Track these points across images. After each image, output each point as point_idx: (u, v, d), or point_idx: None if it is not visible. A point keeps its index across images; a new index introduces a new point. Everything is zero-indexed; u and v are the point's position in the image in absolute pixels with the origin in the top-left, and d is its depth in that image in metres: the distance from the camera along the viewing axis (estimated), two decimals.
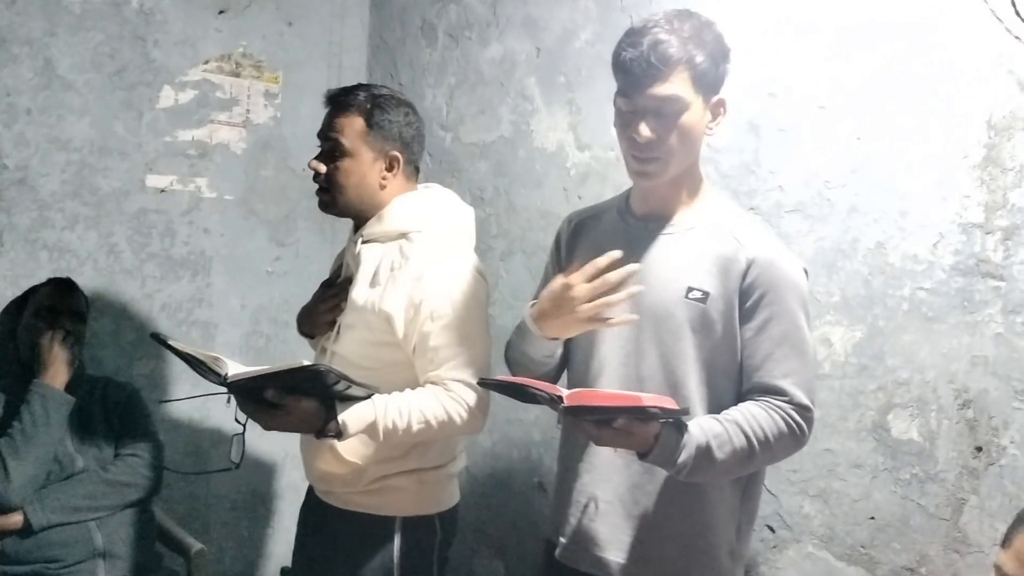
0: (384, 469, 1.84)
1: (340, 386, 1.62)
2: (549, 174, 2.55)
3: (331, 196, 1.88)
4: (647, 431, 1.41)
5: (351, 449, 1.81)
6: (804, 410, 1.51)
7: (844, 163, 1.90)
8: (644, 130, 1.49)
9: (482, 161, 2.77)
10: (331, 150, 1.87)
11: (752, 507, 1.64)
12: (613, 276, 1.48)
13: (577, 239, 1.73)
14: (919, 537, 1.80)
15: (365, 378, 1.71)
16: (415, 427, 1.71)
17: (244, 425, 1.79)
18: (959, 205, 1.74)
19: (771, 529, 2.03)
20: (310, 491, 2.02)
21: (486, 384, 1.60)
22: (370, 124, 1.86)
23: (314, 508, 1.97)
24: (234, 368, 1.64)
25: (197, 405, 2.86)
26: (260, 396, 1.64)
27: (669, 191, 1.59)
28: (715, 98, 1.54)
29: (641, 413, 1.37)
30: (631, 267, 1.49)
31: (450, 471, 1.94)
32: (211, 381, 1.68)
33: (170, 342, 1.74)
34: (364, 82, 3.10)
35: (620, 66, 1.50)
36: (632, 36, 1.49)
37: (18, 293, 2.40)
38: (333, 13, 3.11)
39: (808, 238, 1.95)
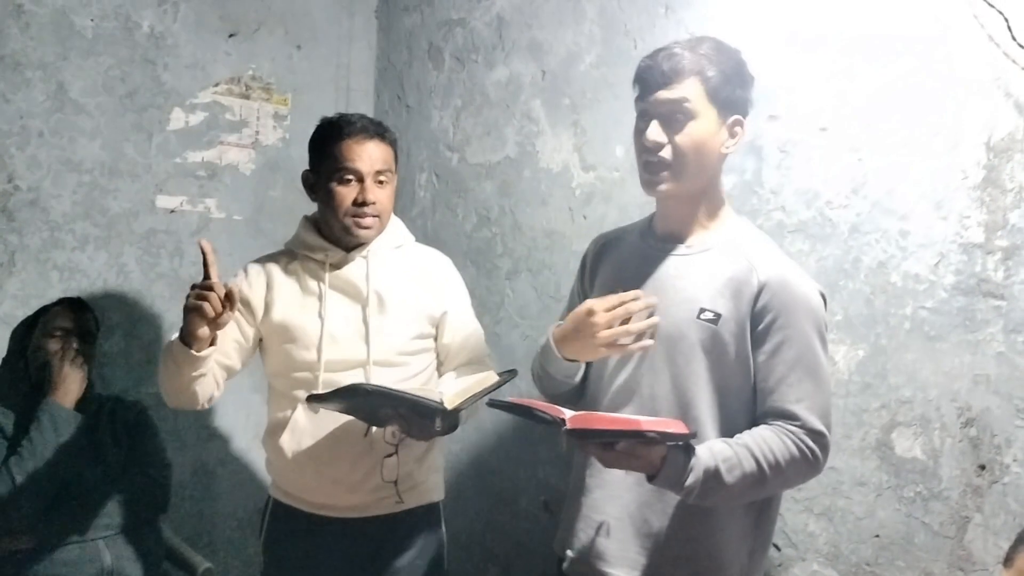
0: (427, 460, 2.07)
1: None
2: (554, 194, 2.58)
3: (379, 223, 2.01)
4: (653, 454, 1.42)
5: (415, 447, 2.00)
6: (817, 436, 1.50)
7: (845, 183, 1.92)
8: (652, 132, 1.53)
9: (488, 181, 2.80)
10: (379, 180, 1.99)
11: (766, 532, 1.64)
12: (634, 305, 1.54)
13: (600, 260, 1.76)
14: (923, 555, 1.80)
15: (402, 375, 1.98)
16: (477, 405, 1.86)
17: (396, 447, 1.97)
18: (959, 225, 1.76)
19: (776, 547, 2.03)
20: (318, 527, 2.01)
21: (496, 405, 1.63)
22: (396, 155, 2.04)
23: (344, 537, 2.00)
24: (445, 390, 1.82)
25: (205, 423, 2.88)
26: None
27: (687, 210, 1.61)
28: (733, 117, 1.56)
29: (640, 437, 1.38)
30: (652, 299, 1.54)
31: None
32: (429, 405, 1.74)
33: (374, 384, 1.82)
34: (374, 105, 3.18)
35: (636, 77, 1.57)
36: (652, 52, 1.57)
37: (29, 313, 2.42)
38: (341, 36, 3.15)
39: (810, 258, 1.97)
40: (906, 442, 1.83)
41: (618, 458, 1.43)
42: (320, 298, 1.99)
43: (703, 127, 1.52)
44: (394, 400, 1.76)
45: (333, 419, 1.93)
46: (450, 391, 1.79)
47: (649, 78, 1.54)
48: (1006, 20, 1.66)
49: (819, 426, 1.50)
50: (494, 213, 2.77)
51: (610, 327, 1.54)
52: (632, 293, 1.56)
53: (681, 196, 1.60)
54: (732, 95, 1.54)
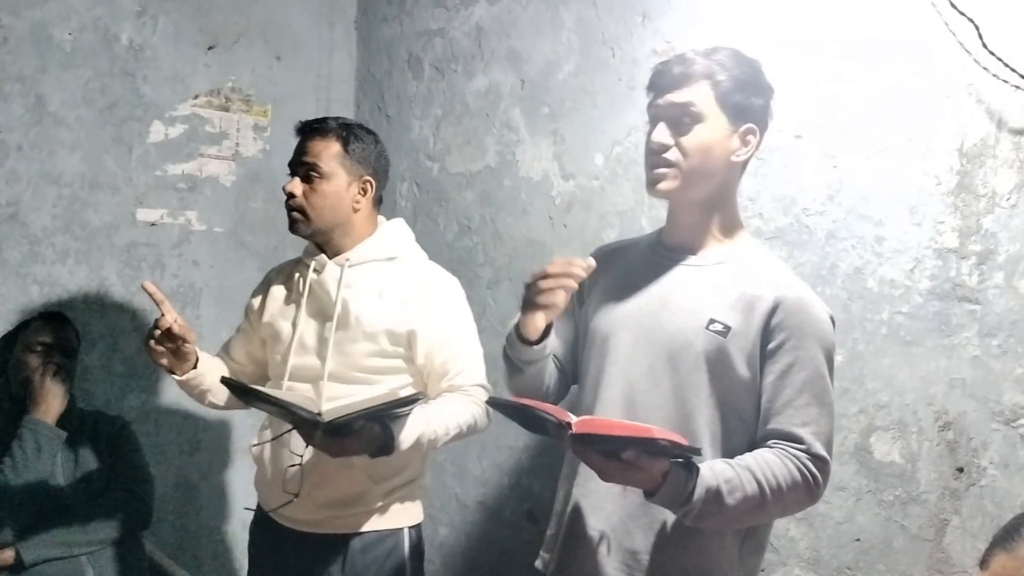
0: (389, 484, 1.95)
1: (413, 407, 1.71)
2: (534, 203, 2.59)
3: (304, 215, 1.96)
4: (656, 468, 1.36)
5: (362, 468, 1.90)
6: (821, 462, 1.46)
7: (821, 190, 1.94)
8: (658, 133, 1.53)
9: (468, 191, 2.81)
10: (308, 173, 1.96)
11: (755, 563, 1.59)
12: (561, 260, 1.53)
13: (601, 271, 1.66)
14: (903, 558, 1.82)
15: (363, 392, 1.87)
16: (452, 432, 1.87)
17: (302, 456, 1.88)
18: (934, 231, 1.78)
19: None
20: (284, 538, 1.99)
21: (495, 404, 1.57)
22: (346, 148, 1.97)
23: (304, 546, 1.97)
24: (321, 403, 1.75)
25: (188, 437, 2.88)
26: (336, 429, 1.66)
27: (697, 219, 1.58)
28: (745, 126, 1.53)
29: (652, 446, 1.32)
30: (575, 259, 1.53)
31: (422, 483, 2.08)
32: (302, 419, 1.65)
33: (251, 386, 1.79)
34: (354, 115, 3.18)
35: (649, 81, 1.57)
36: (668, 58, 1.58)
37: (9, 328, 2.41)
38: (321, 47, 3.15)
39: (787, 264, 1.97)
40: (884, 446, 1.85)
41: (622, 470, 1.36)
42: (297, 304, 2.00)
43: (711, 131, 1.51)
44: (274, 405, 1.72)
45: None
46: (336, 404, 1.72)
47: (659, 81, 1.54)
48: (976, 28, 1.68)
49: (823, 452, 1.47)
50: (475, 222, 2.78)
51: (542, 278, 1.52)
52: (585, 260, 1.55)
53: (688, 202, 1.57)
54: (744, 102, 1.52)
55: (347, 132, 1.98)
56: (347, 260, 1.97)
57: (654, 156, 1.54)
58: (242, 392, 1.79)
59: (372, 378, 1.93)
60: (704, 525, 1.45)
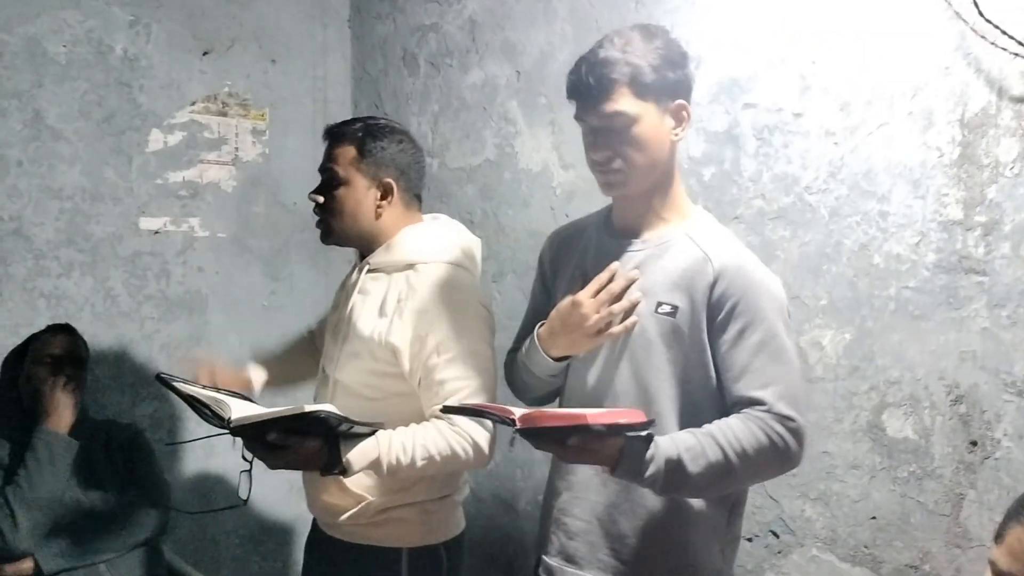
0: (389, 501, 1.84)
1: (343, 427, 1.61)
2: (535, 194, 2.58)
3: (327, 225, 1.91)
4: (608, 446, 1.39)
5: (356, 482, 1.81)
6: (786, 420, 1.45)
7: (823, 168, 1.93)
8: (597, 150, 1.53)
9: (469, 185, 2.80)
10: (327, 180, 1.91)
11: (738, 525, 1.62)
12: (615, 285, 1.53)
13: (559, 257, 1.74)
14: (920, 534, 1.81)
15: (369, 408, 1.76)
16: (419, 463, 1.70)
17: (251, 462, 1.73)
18: (938, 203, 1.77)
19: (775, 534, 2.04)
20: (315, 523, 2.02)
21: (450, 410, 1.59)
22: (361, 152, 1.88)
23: (320, 541, 1.98)
24: (238, 410, 1.61)
25: (202, 442, 2.88)
26: (264, 437, 1.62)
27: (643, 206, 1.59)
28: (674, 103, 1.53)
29: (586, 431, 1.35)
30: (631, 274, 1.53)
31: (455, 500, 1.94)
32: (213, 425, 1.63)
33: (175, 383, 1.71)
34: (352, 115, 3.18)
35: (568, 92, 1.54)
36: (578, 61, 1.53)
37: (18, 342, 2.42)
38: (315, 48, 3.15)
39: (792, 244, 1.98)
40: (897, 423, 1.84)
41: (574, 453, 1.40)
42: (337, 308, 1.99)
43: (646, 127, 1.50)
44: (188, 403, 1.67)
45: None
46: (245, 412, 1.61)
47: (579, 95, 1.52)
48: None
49: (787, 410, 1.45)
50: (477, 216, 2.77)
51: (598, 312, 1.52)
52: (608, 271, 1.55)
53: (639, 192, 1.58)
54: (664, 82, 1.50)
55: (364, 134, 1.89)
56: (367, 264, 1.90)
57: (599, 167, 1.55)
58: (170, 389, 1.72)
59: (374, 392, 1.84)
60: (676, 494, 1.47)
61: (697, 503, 1.54)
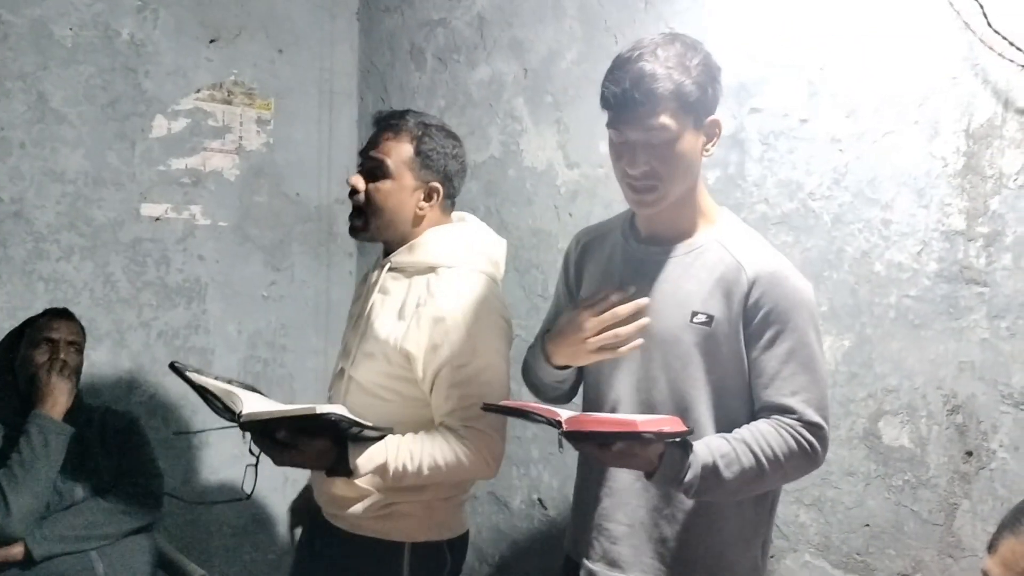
0: (396, 496, 1.82)
1: (353, 430, 1.61)
2: (539, 192, 2.58)
3: (364, 218, 1.86)
4: (650, 452, 1.41)
5: (365, 478, 1.79)
6: (815, 428, 1.49)
7: (827, 175, 1.93)
8: (636, 163, 1.50)
9: (473, 181, 2.79)
10: (373, 169, 1.85)
11: (771, 524, 1.65)
12: (623, 310, 1.53)
13: (584, 260, 1.73)
14: (914, 543, 1.81)
15: (382, 409, 1.79)
16: (425, 471, 1.71)
17: (258, 457, 1.73)
18: (941, 213, 1.77)
19: None
20: (317, 512, 1.98)
21: (491, 408, 1.58)
22: (418, 151, 1.84)
23: (321, 528, 1.95)
24: (250, 404, 1.61)
25: (196, 432, 2.88)
26: (272, 434, 1.63)
27: (672, 214, 1.58)
28: (708, 119, 1.53)
29: (636, 438, 1.37)
30: (641, 301, 1.53)
31: (460, 499, 1.93)
32: (223, 418, 1.63)
33: (188, 373, 1.70)
34: (358, 108, 3.18)
35: (606, 102, 1.50)
36: (616, 71, 1.49)
37: (15, 325, 2.42)
38: (323, 40, 3.15)
39: (795, 249, 1.98)
40: (893, 431, 1.84)
41: (615, 457, 1.43)
42: (358, 304, 1.97)
43: (685, 144, 1.50)
44: (204, 399, 1.68)
45: None
46: (261, 407, 1.63)
47: (622, 106, 1.48)
48: (981, 6, 1.67)
49: (816, 418, 1.49)
50: (480, 213, 2.76)
51: (599, 331, 1.53)
52: (619, 294, 1.56)
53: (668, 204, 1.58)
54: (705, 99, 1.50)
55: (423, 133, 1.85)
56: (389, 263, 1.86)
57: (632, 180, 1.52)
58: (183, 379, 1.71)
59: (388, 394, 1.82)
60: (708, 498, 1.50)
61: (735, 505, 1.56)
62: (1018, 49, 1.63)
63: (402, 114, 1.89)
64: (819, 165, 1.94)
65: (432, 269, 1.82)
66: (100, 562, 2.24)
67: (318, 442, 1.62)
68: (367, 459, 1.66)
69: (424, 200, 1.86)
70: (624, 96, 1.46)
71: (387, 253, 1.90)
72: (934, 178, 1.77)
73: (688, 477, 1.43)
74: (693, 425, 1.49)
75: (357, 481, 1.77)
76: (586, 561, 1.66)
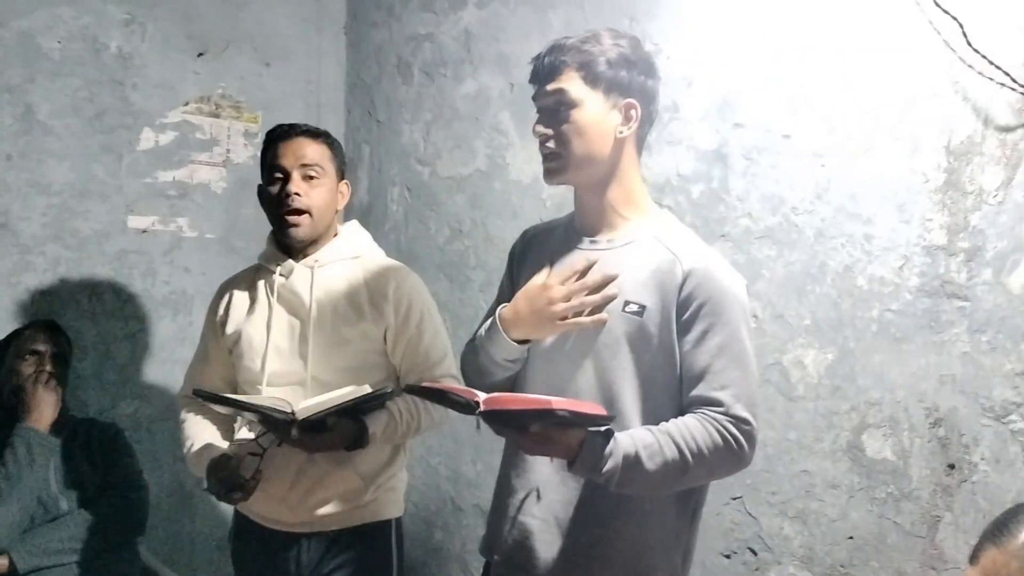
0: (379, 478, 1.98)
1: (381, 402, 1.84)
2: (525, 206, 2.59)
3: (310, 219, 1.96)
4: (570, 437, 1.40)
5: (359, 464, 1.94)
6: (742, 422, 1.46)
7: (809, 189, 1.95)
8: (538, 126, 1.57)
9: (459, 194, 2.81)
10: (307, 175, 1.98)
11: (694, 535, 1.62)
12: (591, 279, 1.52)
13: (526, 254, 1.73)
14: (896, 555, 1.82)
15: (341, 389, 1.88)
16: (421, 425, 1.96)
17: (264, 449, 1.88)
18: (922, 228, 1.79)
19: (753, 552, 2.05)
20: (280, 537, 1.98)
21: (412, 390, 1.65)
22: (333, 151, 2.04)
23: (292, 545, 1.97)
24: (295, 403, 1.76)
25: (176, 443, 2.87)
26: (311, 425, 1.76)
27: (599, 201, 1.59)
28: (625, 100, 1.55)
29: (551, 417, 1.35)
30: (609, 273, 1.52)
31: (403, 476, 2.10)
32: (276, 419, 1.76)
33: (223, 395, 1.86)
34: (345, 121, 3.19)
35: (529, 78, 1.61)
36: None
37: (0, 337, 2.41)
38: (310, 53, 3.16)
39: (777, 263, 2.00)
40: (876, 443, 1.85)
41: (535, 443, 1.41)
42: (268, 309, 1.98)
43: (586, 114, 1.53)
44: (246, 409, 1.83)
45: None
46: (309, 402, 1.78)
47: (534, 75, 1.59)
48: (960, 26, 1.69)
49: (743, 413, 1.47)
50: (466, 226, 2.78)
51: (567, 300, 1.52)
52: (585, 260, 1.54)
53: (583, 184, 1.59)
54: (617, 77, 1.53)
55: (330, 137, 2.04)
56: (316, 261, 1.98)
57: (541, 148, 1.58)
58: (216, 401, 1.88)
59: (350, 377, 1.92)
60: (629, 491, 1.47)
61: (658, 507, 1.53)
62: (997, 67, 1.66)
63: (297, 124, 2.05)
64: (802, 180, 1.96)
65: (356, 257, 2.02)
66: (85, 575, 2.23)
67: (347, 422, 1.83)
68: (378, 426, 1.87)
69: (341, 197, 2.06)
70: (537, 64, 1.58)
71: (288, 253, 2.00)
72: (915, 194, 1.79)
73: (608, 466, 1.41)
74: (617, 415, 1.48)
75: (354, 468, 1.93)
76: (496, 556, 1.63)
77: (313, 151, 1.98)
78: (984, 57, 1.67)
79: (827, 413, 1.92)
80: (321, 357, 1.93)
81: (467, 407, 1.42)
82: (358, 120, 3.20)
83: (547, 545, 1.56)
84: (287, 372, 1.95)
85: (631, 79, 1.55)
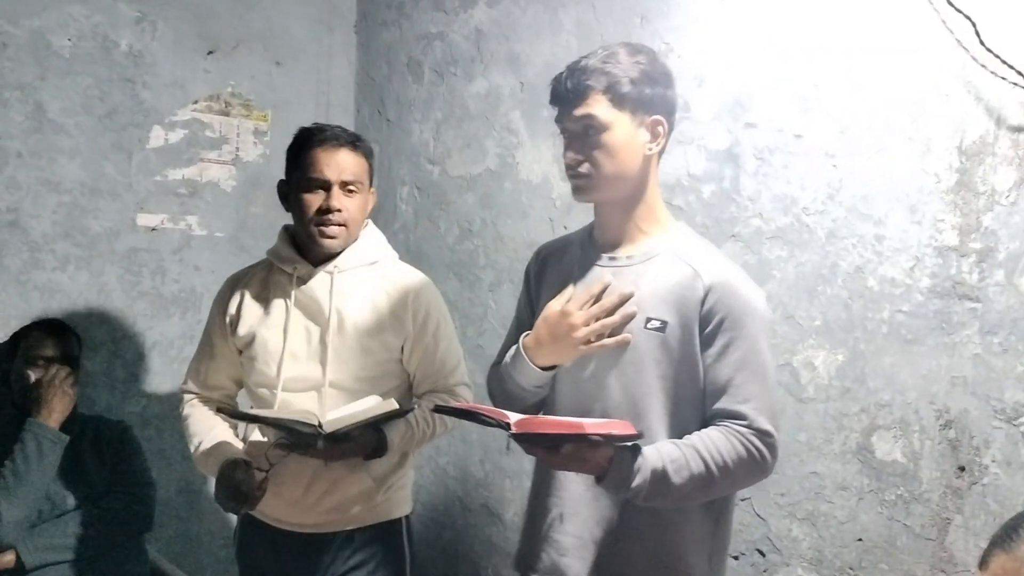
0: (391, 479, 2.01)
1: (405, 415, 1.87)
2: (535, 205, 2.59)
3: (347, 232, 1.95)
4: (599, 455, 1.42)
5: (373, 467, 1.96)
6: (764, 435, 1.50)
7: (821, 190, 1.94)
8: (569, 151, 1.57)
9: (469, 194, 2.81)
10: (348, 188, 1.95)
11: (725, 533, 1.64)
12: (608, 300, 1.54)
13: (543, 272, 1.74)
14: (906, 558, 1.81)
15: (357, 396, 1.92)
16: (436, 431, 1.99)
17: (270, 466, 1.90)
18: (934, 229, 1.78)
19: (761, 553, 2.04)
20: (293, 539, 1.98)
21: (441, 410, 1.62)
22: (370, 164, 2.02)
23: (310, 548, 1.97)
24: (322, 416, 1.78)
25: (183, 443, 2.87)
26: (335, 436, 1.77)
27: (622, 218, 1.60)
28: (650, 118, 1.55)
29: (584, 440, 1.38)
30: (626, 291, 1.54)
31: (411, 474, 2.12)
32: (304, 433, 1.76)
33: (247, 412, 1.91)
34: (355, 120, 3.19)
35: (550, 98, 1.59)
36: (563, 69, 1.58)
37: (10, 334, 2.41)
38: (320, 52, 3.16)
39: (788, 264, 1.99)
40: (886, 445, 1.84)
41: (564, 461, 1.43)
42: (285, 313, 1.96)
43: (616, 137, 1.53)
44: (270, 423, 1.85)
45: None
46: (336, 415, 1.79)
47: (558, 99, 1.57)
48: (973, 25, 1.68)
49: (766, 426, 1.50)
50: (476, 225, 2.78)
51: (587, 325, 1.54)
52: (600, 283, 1.56)
53: (613, 203, 1.60)
54: (642, 96, 1.53)
55: (366, 146, 2.02)
56: (336, 268, 1.96)
57: (569, 171, 1.58)
58: (240, 418, 1.94)
59: (367, 384, 1.93)
60: (656, 504, 1.49)
61: (684, 516, 1.55)
62: (1010, 67, 1.65)
63: (345, 132, 2.01)
64: (813, 180, 1.95)
65: (373, 263, 2.01)
66: (91, 572, 2.23)
67: (370, 433, 1.85)
68: (397, 435, 1.90)
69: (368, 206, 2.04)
70: (559, 88, 1.56)
71: (310, 259, 1.98)
72: (927, 194, 1.78)
73: (637, 482, 1.43)
74: (645, 431, 1.49)
75: (366, 471, 1.95)
76: (534, 574, 1.65)
77: (356, 166, 1.96)
78: (997, 56, 1.66)
79: (837, 415, 1.91)
80: (340, 365, 1.93)
81: (498, 427, 1.43)
82: (368, 119, 3.20)
83: (583, 563, 1.59)
84: (303, 377, 1.94)
85: (654, 95, 1.55)
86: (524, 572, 1.68)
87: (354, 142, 1.98)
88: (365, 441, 1.85)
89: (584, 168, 1.55)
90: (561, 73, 1.57)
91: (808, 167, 1.96)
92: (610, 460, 1.43)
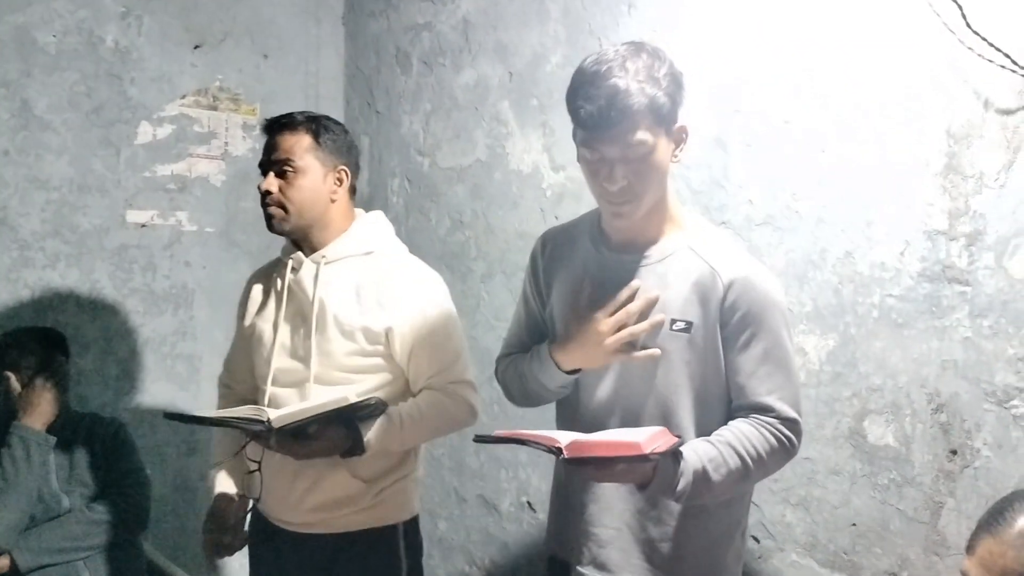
0: (383, 481, 1.94)
1: (375, 410, 1.78)
2: (525, 195, 2.59)
3: (285, 213, 1.93)
4: (647, 466, 1.44)
5: (357, 467, 1.89)
6: (792, 423, 1.54)
7: (810, 175, 1.93)
8: (616, 179, 1.48)
9: (459, 185, 2.80)
10: (281, 169, 1.92)
11: (747, 520, 1.69)
12: (635, 306, 1.54)
13: (553, 265, 1.70)
14: (899, 541, 1.82)
15: (342, 390, 1.84)
16: (426, 432, 1.92)
17: (259, 463, 1.89)
18: (923, 213, 1.78)
19: (755, 539, 2.04)
20: (282, 533, 1.98)
21: (484, 440, 1.51)
22: (318, 140, 1.93)
23: (298, 545, 1.96)
24: (271, 412, 1.74)
25: (183, 440, 2.87)
26: (295, 432, 1.74)
27: (642, 222, 1.57)
28: (676, 126, 1.53)
29: (643, 460, 1.38)
30: (651, 296, 1.54)
31: (419, 475, 2.06)
32: (253, 430, 1.75)
33: (194, 414, 1.88)
34: (344, 111, 3.18)
35: (580, 121, 1.47)
36: (588, 87, 1.45)
37: (0, 333, 2.40)
38: (308, 44, 3.14)
39: (778, 250, 1.99)
40: (878, 429, 1.85)
41: (613, 475, 1.45)
42: (278, 304, 1.96)
43: (659, 155, 1.50)
44: (220, 424, 1.85)
45: None
46: (286, 410, 1.76)
47: (598, 125, 1.45)
48: (960, 7, 1.68)
49: (792, 414, 1.54)
50: (467, 216, 2.77)
51: (615, 332, 1.54)
52: (628, 289, 1.55)
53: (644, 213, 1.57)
54: (674, 108, 1.50)
55: (316, 124, 1.94)
56: (323, 257, 1.92)
57: (614, 198, 1.51)
58: (185, 420, 1.94)
59: (354, 377, 1.89)
60: (697, 502, 1.52)
61: (719, 505, 1.59)
62: (997, 50, 1.64)
63: (289, 115, 1.98)
64: (802, 166, 1.95)
65: (369, 253, 1.95)
66: (87, 572, 2.24)
67: (337, 430, 1.77)
68: (378, 434, 1.81)
69: (336, 184, 1.96)
70: (600, 115, 1.44)
71: (297, 247, 1.97)
72: (916, 178, 1.78)
73: (681, 486, 1.46)
74: (677, 430, 1.52)
75: (351, 473, 1.89)
76: (577, 567, 1.67)
77: (288, 144, 1.91)
78: (984, 39, 1.66)
79: (828, 399, 1.92)
80: (322, 357, 1.88)
81: (547, 452, 1.41)
82: (357, 111, 3.19)
83: (623, 552, 1.62)
84: (291, 370, 1.92)
85: (679, 103, 1.52)
86: (566, 559, 1.69)
87: (292, 122, 1.94)
88: (333, 439, 1.78)
89: (629, 195, 1.50)
90: (593, 94, 1.44)
91: (797, 153, 1.96)
92: (655, 468, 1.44)
